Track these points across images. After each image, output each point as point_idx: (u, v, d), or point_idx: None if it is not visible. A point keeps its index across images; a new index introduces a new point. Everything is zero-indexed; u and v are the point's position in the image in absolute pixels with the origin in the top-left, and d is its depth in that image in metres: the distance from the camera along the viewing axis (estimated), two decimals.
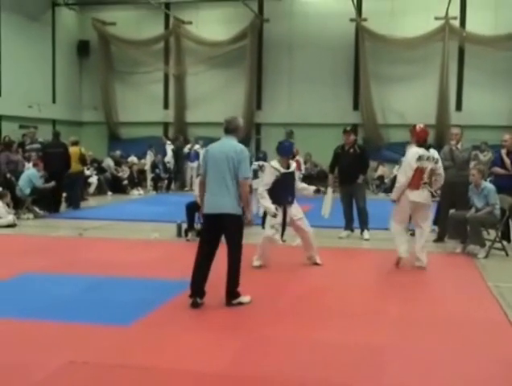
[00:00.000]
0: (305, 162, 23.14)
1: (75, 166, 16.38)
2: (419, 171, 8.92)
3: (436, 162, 9.07)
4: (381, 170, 23.33)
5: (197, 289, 6.75)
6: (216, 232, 6.87)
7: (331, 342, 5.68)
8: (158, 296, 7.15)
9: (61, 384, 4.62)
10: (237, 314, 6.57)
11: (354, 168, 11.66)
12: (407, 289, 7.90)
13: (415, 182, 8.94)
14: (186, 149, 22.73)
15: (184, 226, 11.51)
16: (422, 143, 9.09)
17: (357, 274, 8.77)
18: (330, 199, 11.65)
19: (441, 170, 9.21)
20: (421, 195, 9.01)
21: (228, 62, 25.13)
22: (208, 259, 6.82)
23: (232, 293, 6.81)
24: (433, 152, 9.12)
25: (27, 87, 22.97)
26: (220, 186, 6.72)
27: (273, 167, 9.01)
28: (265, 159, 16.70)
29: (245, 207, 6.79)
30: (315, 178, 23.22)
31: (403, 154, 22.96)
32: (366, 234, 11.74)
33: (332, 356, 5.30)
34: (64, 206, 16.19)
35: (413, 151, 9.06)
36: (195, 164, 21.77)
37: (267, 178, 9.03)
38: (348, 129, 12.37)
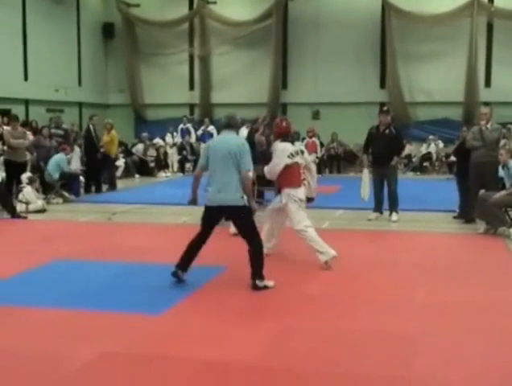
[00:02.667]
0: (332, 141, 23.02)
1: (113, 149, 16.90)
2: (294, 168, 8.14)
3: (303, 156, 8.28)
4: (409, 148, 23.09)
5: (184, 265, 7.14)
6: (216, 223, 7.33)
7: (361, 330, 5.63)
8: (188, 283, 7.13)
9: (94, 376, 4.63)
10: (267, 303, 6.54)
11: (388, 150, 11.48)
12: (437, 273, 7.78)
13: (296, 179, 8.18)
14: (200, 131, 22.80)
15: None
16: (285, 138, 8.35)
17: (385, 258, 8.68)
18: (368, 181, 11.60)
19: (310, 163, 8.51)
20: (304, 192, 8.26)
21: (253, 42, 24.97)
22: (202, 243, 7.32)
23: (257, 274, 6.95)
24: (299, 145, 8.74)
25: (53, 70, 23.04)
26: (224, 179, 6.96)
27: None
28: (298, 139, 16.74)
29: (250, 196, 7.05)
30: (342, 157, 23.14)
31: (431, 133, 23.12)
32: (395, 216, 11.64)
33: (363, 345, 5.26)
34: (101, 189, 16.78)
35: (281, 147, 8.22)
36: None
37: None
38: (385, 109, 12.18)
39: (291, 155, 8.11)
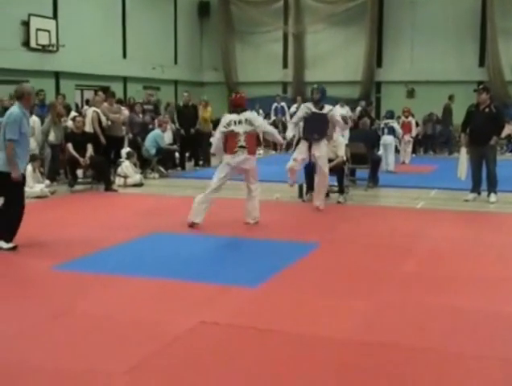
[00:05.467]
0: (428, 121, 22.48)
1: (208, 126, 17.22)
2: (230, 136, 9.05)
3: (251, 124, 9.12)
4: (509, 128, 22.32)
5: None
6: None
7: (461, 308, 5.55)
8: (283, 258, 7.23)
9: (192, 344, 4.77)
10: (360, 278, 6.54)
11: (488, 128, 11.16)
12: None
13: (230, 146, 9.06)
14: (293, 108, 22.72)
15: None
16: (235, 109, 9.35)
17: (483, 238, 8.47)
18: (465, 160, 11.39)
19: (265, 128, 9.57)
20: (236, 161, 9.07)
21: (348, 19, 24.71)
22: None
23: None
24: (248, 114, 9.20)
25: (151, 49, 23.58)
26: None
27: (306, 106, 10.48)
28: (392, 117, 16.59)
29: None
30: (437, 137, 22.61)
31: None
32: (493, 197, 11.33)
33: (464, 324, 5.18)
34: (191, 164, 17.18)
35: (224, 118, 9.33)
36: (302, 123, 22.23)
37: (299, 113, 10.61)
38: (480, 87, 11.90)
39: (227, 125, 9.06)
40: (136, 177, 13.45)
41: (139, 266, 6.95)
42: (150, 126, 16.06)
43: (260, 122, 9.50)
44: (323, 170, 10.25)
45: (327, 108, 10.47)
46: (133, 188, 12.94)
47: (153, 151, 14.87)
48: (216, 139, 9.44)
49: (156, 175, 14.77)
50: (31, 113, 11.34)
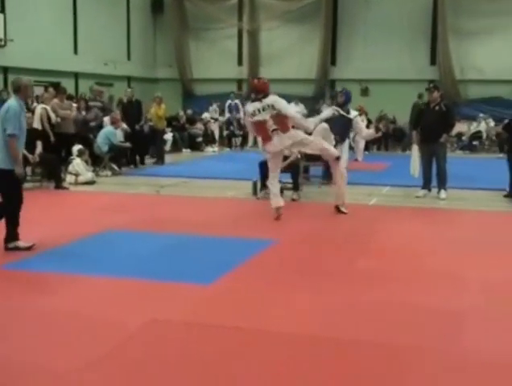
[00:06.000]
0: (379, 120, 22.67)
1: (162, 124, 17.10)
2: (260, 125, 9.16)
3: (273, 108, 9.01)
4: (459, 126, 22.68)
5: None
6: None
7: (411, 304, 5.60)
8: (237, 255, 7.21)
9: (145, 342, 4.72)
10: (313, 275, 6.56)
11: (438, 126, 11.34)
12: (486, 250, 7.68)
13: (264, 135, 9.23)
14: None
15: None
16: (257, 95, 9.29)
17: (434, 234, 8.60)
18: (417, 157, 11.53)
19: (286, 112, 9.13)
20: (276, 144, 9.11)
21: (302, 17, 24.79)
22: None
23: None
24: (270, 100, 9.11)
25: (103, 44, 23.28)
26: None
27: (334, 108, 10.45)
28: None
29: None
30: (390, 135, 22.85)
31: (482, 111, 22.72)
32: (443, 193, 11.51)
33: (412, 319, 5.23)
34: (148, 162, 17.09)
35: (248, 107, 9.47)
36: None
37: (326, 113, 10.52)
38: (431, 86, 12.11)
39: (252, 115, 9.15)
40: (88, 175, 13.26)
41: (92, 264, 6.85)
42: (92, 124, 15.64)
43: (282, 106, 9.17)
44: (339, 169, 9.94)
45: (353, 113, 10.55)
46: (84, 186, 12.76)
47: (105, 148, 14.68)
48: (248, 128, 9.70)
49: (108, 173, 14.59)
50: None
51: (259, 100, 9.11)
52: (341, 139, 10.37)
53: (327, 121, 10.34)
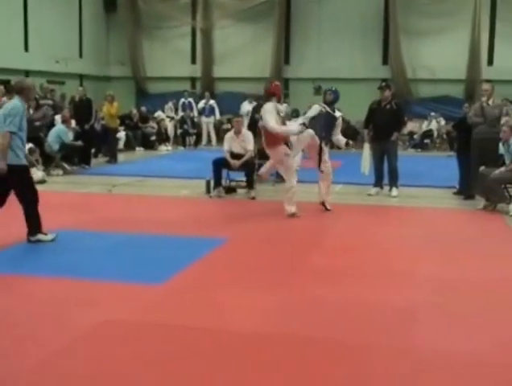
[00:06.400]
0: None
1: (114, 122, 16.91)
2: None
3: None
4: (411, 125, 23.04)
5: None
6: None
7: (362, 301, 5.66)
8: (189, 254, 7.18)
9: (97, 343, 4.67)
10: (267, 272, 6.58)
11: (389, 125, 11.50)
12: (437, 247, 7.82)
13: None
14: (201, 104, 22.76)
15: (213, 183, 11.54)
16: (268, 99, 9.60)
17: (386, 231, 8.72)
18: (368, 155, 11.64)
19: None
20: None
21: (256, 15, 24.79)
22: None
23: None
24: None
25: (54, 42, 22.93)
26: None
27: (321, 105, 10.39)
28: (297, 116, 16.76)
29: None
30: (343, 134, 23.01)
31: (432, 110, 23.04)
32: (395, 191, 11.67)
33: (365, 316, 5.29)
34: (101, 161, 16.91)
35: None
36: (211, 119, 22.57)
37: (311, 112, 10.36)
38: (383, 85, 12.20)
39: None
40: (38, 174, 12.99)
41: (41, 265, 6.78)
42: (37, 123, 15.30)
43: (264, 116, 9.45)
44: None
45: (337, 113, 10.58)
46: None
47: (56, 147, 14.46)
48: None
49: (60, 172, 14.38)
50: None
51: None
52: (326, 136, 10.29)
53: (313, 118, 10.30)
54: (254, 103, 20.31)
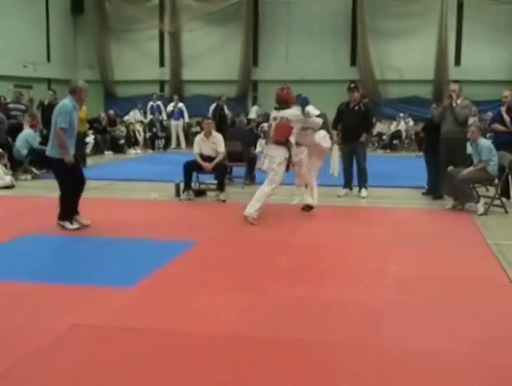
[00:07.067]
0: None
1: (83, 126, 16.72)
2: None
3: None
4: (380, 126, 23.23)
5: None
6: None
7: (331, 300, 5.70)
8: (159, 257, 7.15)
9: (66, 347, 4.62)
10: (236, 275, 6.58)
11: (358, 126, 11.55)
12: (406, 246, 7.89)
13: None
14: (170, 107, 22.70)
15: (183, 185, 11.50)
16: (279, 105, 9.44)
17: (355, 232, 8.78)
18: (337, 157, 11.66)
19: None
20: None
21: (224, 18, 24.80)
22: None
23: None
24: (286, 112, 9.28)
25: (21, 46, 22.69)
26: None
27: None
28: (267, 120, 16.73)
29: None
30: None
31: (401, 111, 23.20)
32: (364, 192, 11.74)
33: (333, 315, 5.32)
34: None
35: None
36: (180, 122, 22.55)
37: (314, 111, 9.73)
38: (352, 86, 12.19)
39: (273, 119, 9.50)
40: (6, 179, 12.89)
41: (8, 269, 6.68)
42: None
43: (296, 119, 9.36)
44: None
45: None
46: (3, 190, 12.40)
47: (24, 152, 14.30)
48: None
49: (28, 177, 14.23)
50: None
51: (277, 109, 9.43)
52: None
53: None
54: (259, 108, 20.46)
